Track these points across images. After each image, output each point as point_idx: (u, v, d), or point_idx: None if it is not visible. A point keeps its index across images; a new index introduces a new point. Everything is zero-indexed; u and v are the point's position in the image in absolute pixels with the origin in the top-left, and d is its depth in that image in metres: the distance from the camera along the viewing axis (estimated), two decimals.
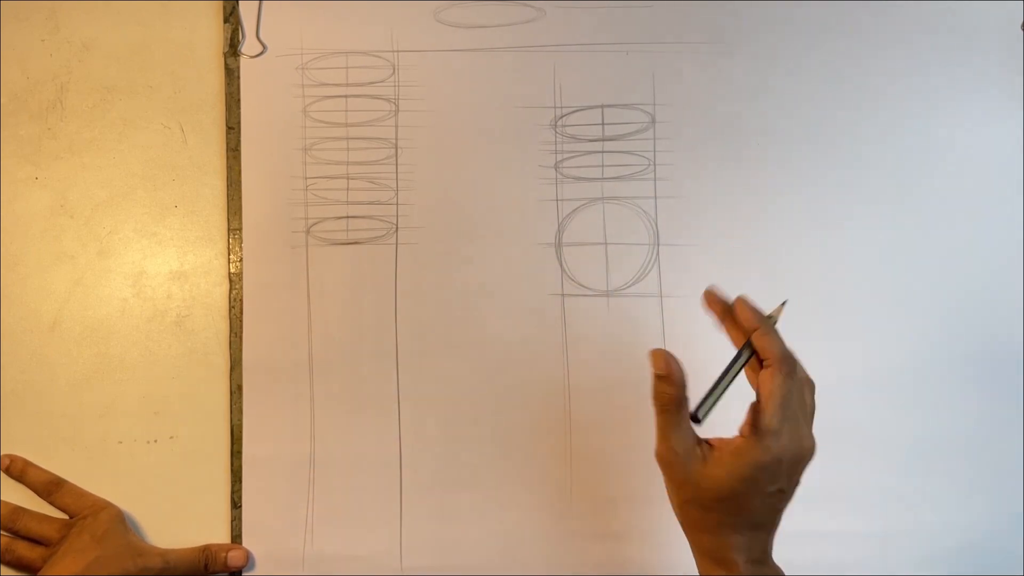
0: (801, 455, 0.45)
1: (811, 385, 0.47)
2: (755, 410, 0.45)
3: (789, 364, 0.45)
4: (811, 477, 0.57)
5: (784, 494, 0.46)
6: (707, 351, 0.59)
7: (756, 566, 0.46)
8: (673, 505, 0.47)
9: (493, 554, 0.58)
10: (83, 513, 0.56)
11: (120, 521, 0.56)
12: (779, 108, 0.61)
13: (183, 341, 0.60)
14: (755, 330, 0.46)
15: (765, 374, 0.45)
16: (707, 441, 0.46)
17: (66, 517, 0.57)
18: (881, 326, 0.60)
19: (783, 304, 0.50)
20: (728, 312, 0.48)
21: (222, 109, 0.61)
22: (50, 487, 0.57)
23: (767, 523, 0.46)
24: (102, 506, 0.57)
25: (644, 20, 0.61)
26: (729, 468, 0.44)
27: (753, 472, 0.43)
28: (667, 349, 0.47)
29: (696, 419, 0.44)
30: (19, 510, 0.57)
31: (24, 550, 0.56)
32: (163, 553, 0.56)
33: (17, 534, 0.56)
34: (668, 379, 0.46)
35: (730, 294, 0.58)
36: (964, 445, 0.59)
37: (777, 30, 0.61)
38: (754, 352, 0.46)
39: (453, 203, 0.60)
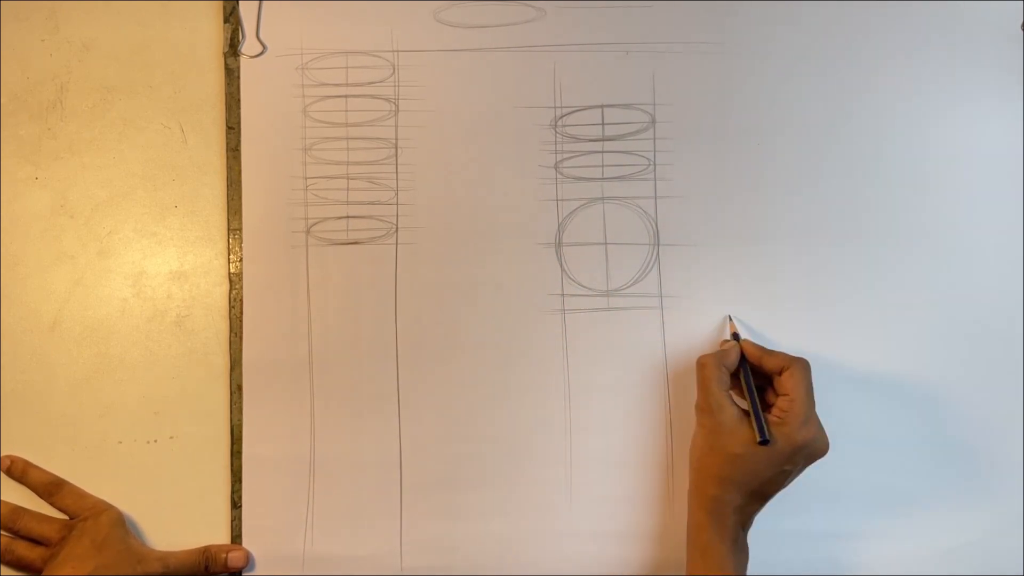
0: (818, 450, 0.53)
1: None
2: (788, 400, 0.52)
3: (802, 363, 0.54)
4: (811, 477, 0.57)
5: (789, 476, 0.52)
6: (706, 350, 0.60)
7: (741, 531, 0.53)
8: (694, 453, 0.55)
9: (493, 554, 0.58)
10: (83, 515, 0.56)
11: (120, 525, 0.56)
12: (779, 108, 0.61)
13: (183, 341, 0.60)
14: (759, 356, 0.55)
15: (787, 376, 0.53)
16: (742, 408, 0.53)
17: (66, 518, 0.57)
18: (881, 326, 0.60)
19: (728, 319, 0.59)
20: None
21: (222, 109, 0.61)
22: (51, 488, 0.57)
23: (766, 496, 0.53)
24: (102, 508, 0.57)
25: (644, 20, 0.61)
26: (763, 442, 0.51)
27: (782, 446, 0.51)
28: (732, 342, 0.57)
29: (766, 441, 0.51)
30: (19, 510, 0.57)
31: (24, 550, 0.56)
32: (163, 557, 0.56)
33: (17, 534, 0.56)
34: (717, 354, 0.55)
35: (729, 296, 0.58)
36: (964, 445, 0.59)
37: (777, 30, 0.61)
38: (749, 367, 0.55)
39: (453, 203, 0.60)
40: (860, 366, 0.59)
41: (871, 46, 0.61)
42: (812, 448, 0.52)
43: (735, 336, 0.57)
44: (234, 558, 0.57)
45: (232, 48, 0.61)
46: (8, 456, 0.58)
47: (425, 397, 0.59)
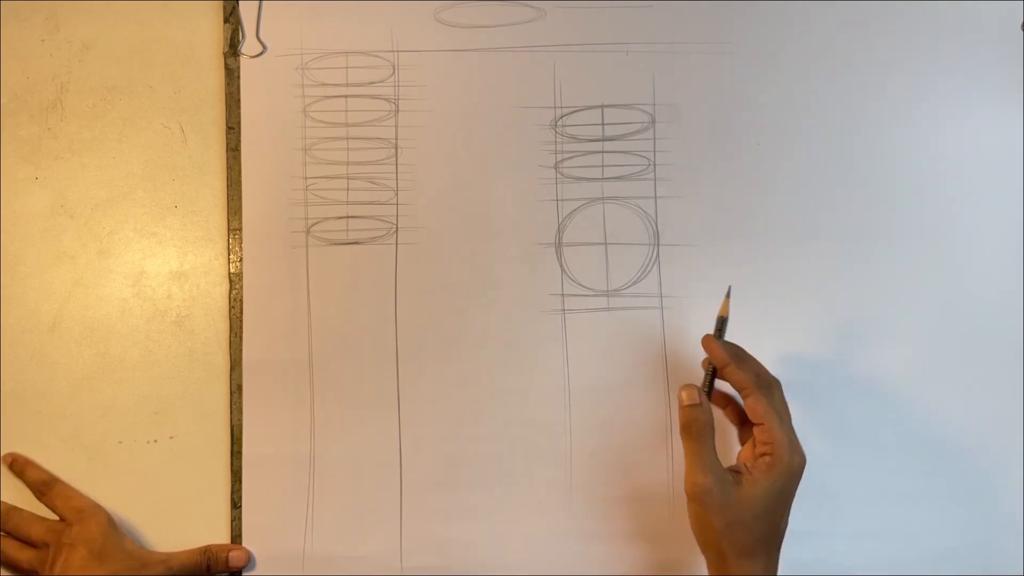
0: (804, 465, 0.50)
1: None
2: (762, 431, 0.49)
3: (766, 383, 0.51)
4: (812, 477, 0.57)
5: (792, 506, 0.50)
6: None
7: None
8: (708, 536, 0.50)
9: (493, 554, 0.58)
10: (69, 518, 0.55)
11: (113, 528, 0.56)
12: (779, 108, 0.61)
13: (183, 341, 0.60)
14: (726, 366, 0.51)
15: (753, 400, 0.50)
16: (730, 468, 0.50)
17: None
18: (881, 326, 0.60)
19: (727, 296, 0.54)
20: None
21: (222, 109, 0.61)
22: (42, 487, 0.57)
23: (781, 539, 0.51)
24: (89, 513, 0.56)
25: (644, 20, 0.61)
26: (764, 485, 0.49)
27: (785, 484, 0.49)
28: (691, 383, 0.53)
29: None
30: (13, 509, 0.57)
31: (12, 550, 0.55)
32: (165, 559, 0.56)
33: (9, 534, 0.56)
34: (700, 407, 0.51)
35: (722, 290, 0.57)
36: (964, 445, 0.59)
37: (777, 30, 0.61)
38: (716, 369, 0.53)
39: (453, 203, 0.60)
40: (860, 366, 0.59)
41: (871, 46, 0.61)
42: (803, 468, 0.50)
43: (721, 325, 0.54)
44: (235, 557, 0.57)
45: (232, 48, 0.61)
46: (10, 454, 0.58)
47: (425, 397, 0.59)
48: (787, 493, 0.49)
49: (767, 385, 0.51)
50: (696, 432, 0.50)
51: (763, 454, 0.49)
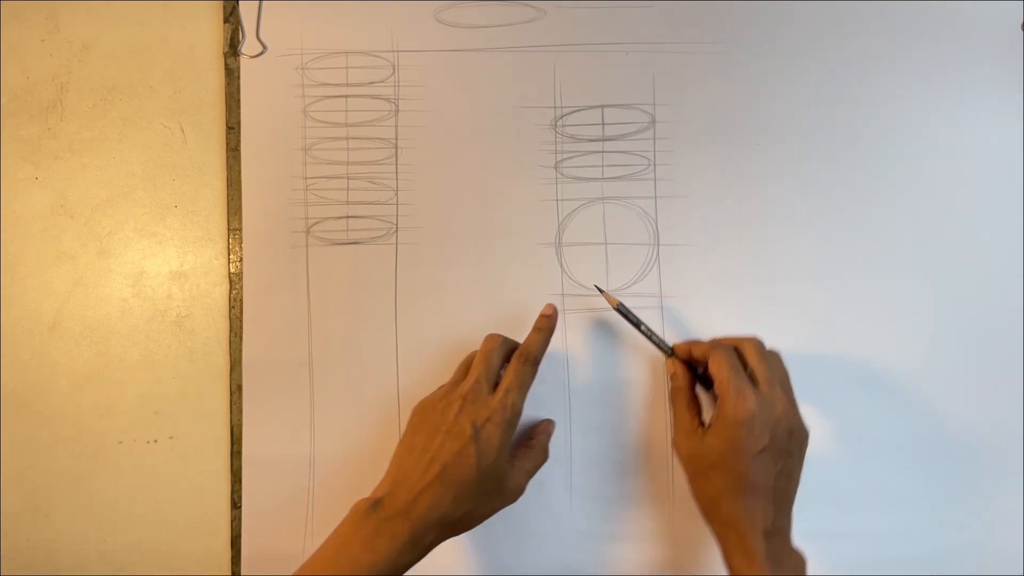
0: (776, 416, 0.51)
1: (776, 354, 0.55)
2: (716, 384, 0.52)
3: (723, 345, 0.54)
4: (812, 477, 0.57)
5: (769, 455, 0.50)
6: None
7: (769, 539, 0.49)
8: (690, 489, 0.54)
9: (493, 554, 0.58)
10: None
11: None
12: (779, 108, 0.61)
13: (183, 341, 0.60)
14: (682, 353, 0.57)
15: (710, 362, 0.53)
16: (706, 424, 0.53)
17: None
18: (881, 326, 0.60)
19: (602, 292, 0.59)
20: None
21: (222, 109, 0.61)
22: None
23: (764, 488, 0.50)
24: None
25: (644, 20, 0.61)
26: (714, 434, 0.51)
27: (734, 432, 0.50)
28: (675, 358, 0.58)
29: (671, 352, 0.57)
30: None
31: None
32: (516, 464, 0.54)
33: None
34: (674, 376, 0.57)
35: (729, 296, 0.58)
36: (964, 445, 0.59)
37: (777, 30, 0.61)
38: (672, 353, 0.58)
39: (453, 203, 0.60)
40: (861, 366, 0.59)
41: (871, 46, 0.61)
42: (766, 417, 0.50)
43: (624, 310, 0.57)
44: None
45: (232, 48, 0.61)
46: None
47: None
48: (739, 441, 0.50)
49: (723, 346, 0.54)
50: (672, 397, 0.57)
51: (719, 402, 0.52)
